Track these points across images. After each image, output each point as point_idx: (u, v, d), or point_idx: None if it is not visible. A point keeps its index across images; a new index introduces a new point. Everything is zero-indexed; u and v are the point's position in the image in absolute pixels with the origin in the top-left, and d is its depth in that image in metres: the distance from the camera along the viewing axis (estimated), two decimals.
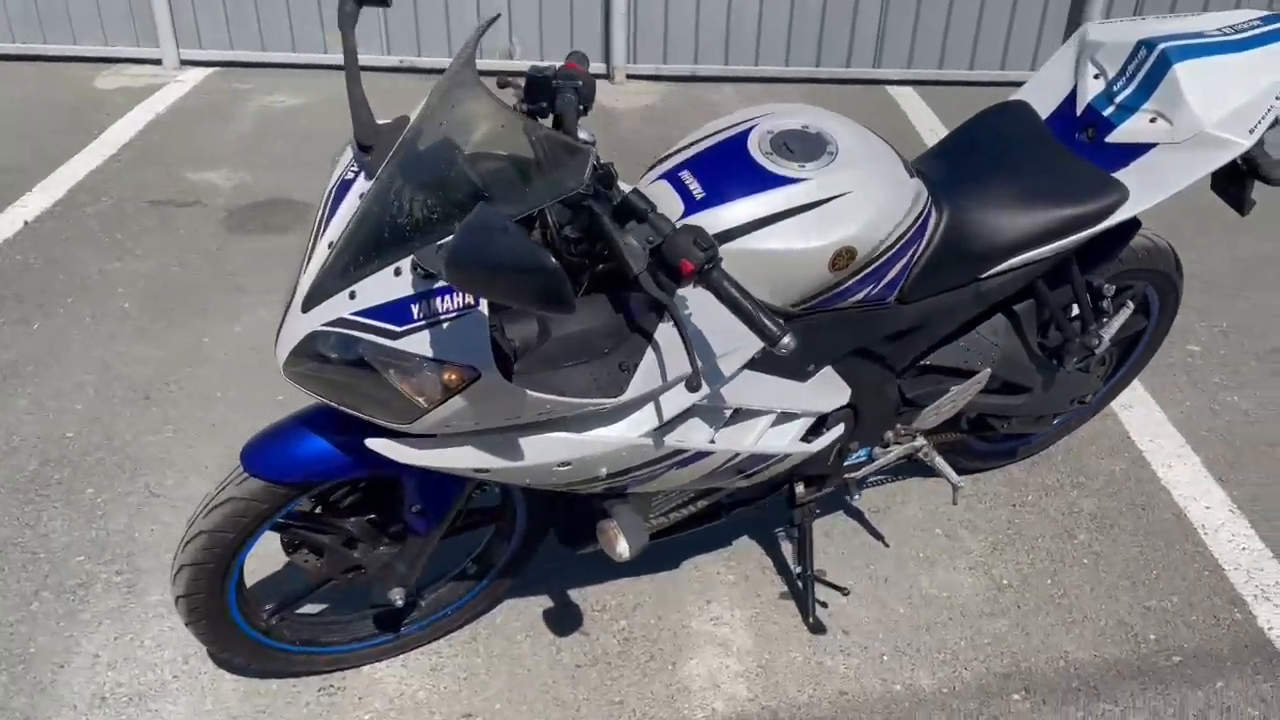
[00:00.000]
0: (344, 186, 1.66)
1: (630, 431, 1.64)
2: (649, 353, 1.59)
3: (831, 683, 2.14)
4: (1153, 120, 2.00)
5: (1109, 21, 2.21)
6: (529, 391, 1.49)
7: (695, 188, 1.72)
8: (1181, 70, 1.98)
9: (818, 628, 2.25)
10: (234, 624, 1.94)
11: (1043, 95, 2.21)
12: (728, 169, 1.74)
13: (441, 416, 1.52)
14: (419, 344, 1.47)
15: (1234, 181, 2.10)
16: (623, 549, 1.82)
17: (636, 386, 1.58)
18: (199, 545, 1.80)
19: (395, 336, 1.48)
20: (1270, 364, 3.22)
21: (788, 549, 2.45)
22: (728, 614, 2.29)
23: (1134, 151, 2.02)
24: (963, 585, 2.38)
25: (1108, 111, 2.06)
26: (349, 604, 2.22)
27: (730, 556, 2.44)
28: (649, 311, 1.61)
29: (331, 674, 2.14)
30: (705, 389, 1.67)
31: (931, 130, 4.99)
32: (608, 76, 5.58)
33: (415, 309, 1.47)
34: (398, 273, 1.49)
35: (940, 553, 2.47)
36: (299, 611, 2.14)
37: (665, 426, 1.67)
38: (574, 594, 2.34)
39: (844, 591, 2.30)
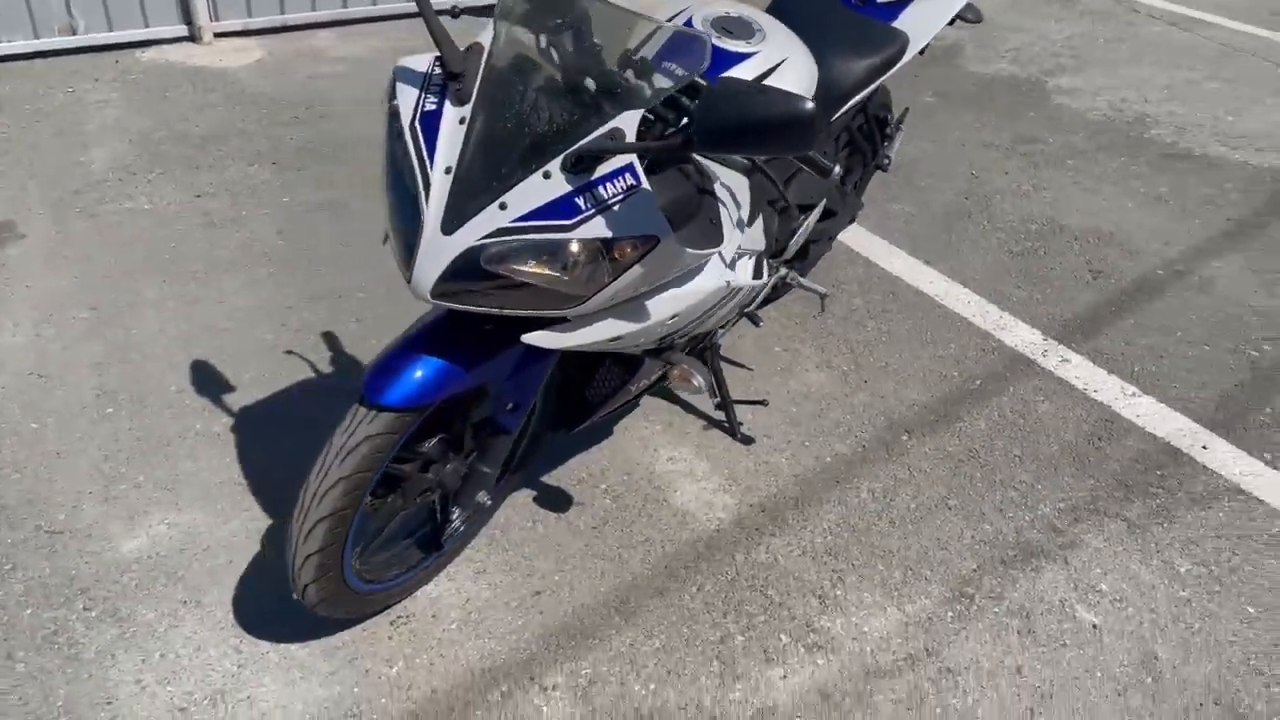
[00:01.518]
0: (432, 116, 1.77)
1: (714, 278, 1.98)
2: (720, 208, 1.93)
3: (783, 471, 2.65)
4: None
5: None
6: (687, 249, 1.78)
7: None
8: None
9: (747, 439, 2.74)
10: (343, 574, 1.99)
11: None
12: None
13: (612, 291, 1.75)
14: (595, 229, 1.68)
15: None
16: (699, 382, 2.16)
17: (726, 235, 1.92)
18: (338, 493, 1.84)
19: (569, 229, 1.68)
20: (912, 176, 4.18)
21: (682, 395, 2.89)
22: (677, 452, 2.70)
23: (899, 6, 2.67)
24: (819, 379, 2.99)
25: None
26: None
27: (648, 413, 2.83)
28: (700, 176, 1.94)
29: (391, 607, 2.24)
30: (745, 233, 2.05)
31: None
32: (193, 39, 5.30)
33: (580, 201, 1.68)
34: (547, 175, 1.68)
35: (790, 363, 3.06)
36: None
37: (728, 270, 2.03)
38: (550, 480, 2.59)
39: (764, 403, 2.80)
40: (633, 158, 1.67)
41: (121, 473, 2.57)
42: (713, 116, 1.48)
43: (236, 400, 2.83)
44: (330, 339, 3.08)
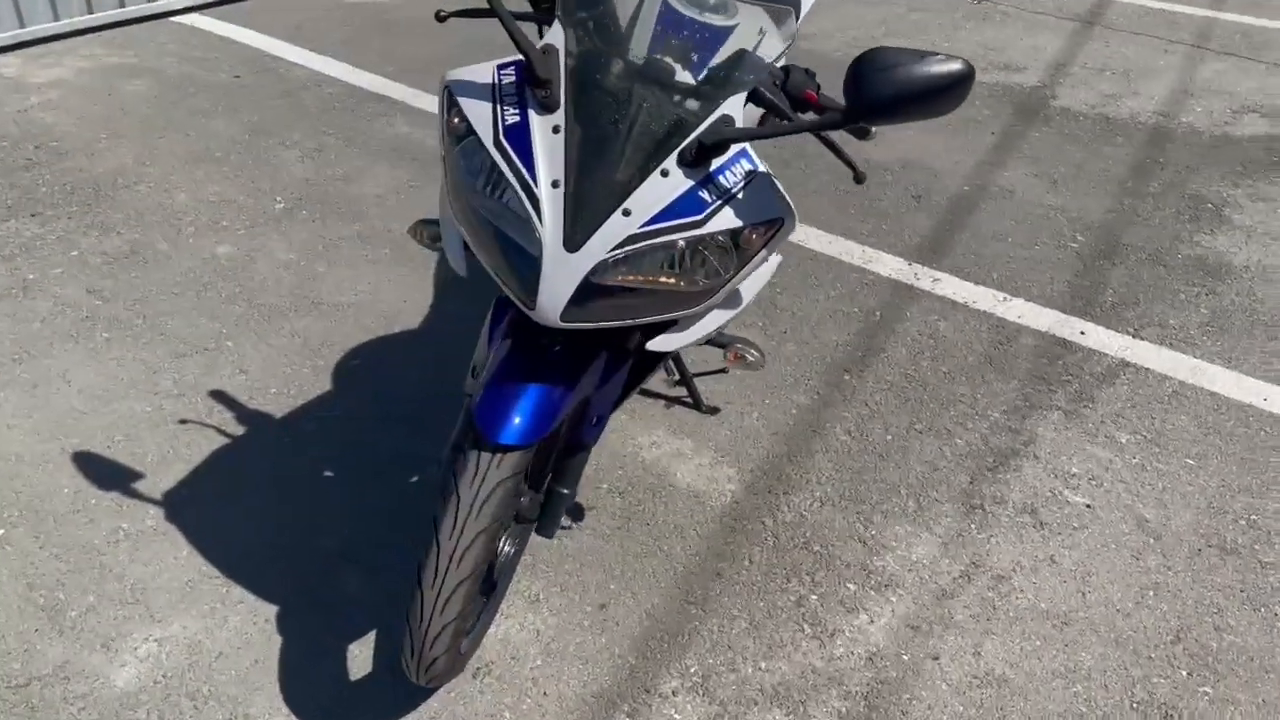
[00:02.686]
0: (518, 130, 1.63)
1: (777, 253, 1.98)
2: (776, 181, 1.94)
3: (761, 432, 2.70)
4: None
5: None
6: (795, 226, 1.77)
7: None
8: None
9: (712, 410, 2.77)
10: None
11: None
12: (689, 31, 2.05)
13: (739, 280, 1.71)
14: (725, 220, 1.64)
15: None
16: (754, 356, 2.15)
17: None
18: (478, 549, 1.68)
19: (700, 225, 1.62)
20: None
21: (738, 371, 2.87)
22: (656, 437, 2.68)
23: None
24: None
25: None
26: None
27: None
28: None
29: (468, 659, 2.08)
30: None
31: (266, 48, 5.01)
32: None
33: (704, 195, 1.63)
34: (665, 174, 1.61)
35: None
36: None
37: None
38: None
39: (725, 371, 2.83)
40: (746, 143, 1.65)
41: (61, 599, 2.18)
42: (874, 88, 1.48)
43: (153, 485, 2.46)
44: (223, 397, 2.75)
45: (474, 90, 1.69)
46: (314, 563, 2.28)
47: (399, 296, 3.19)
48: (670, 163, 1.62)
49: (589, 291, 1.60)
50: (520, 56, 1.68)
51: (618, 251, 1.59)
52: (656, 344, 1.75)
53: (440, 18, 1.89)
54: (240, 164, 3.92)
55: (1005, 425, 2.76)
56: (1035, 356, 3.02)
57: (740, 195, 1.65)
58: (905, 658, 2.13)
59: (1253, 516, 2.49)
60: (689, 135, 1.62)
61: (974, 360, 3.00)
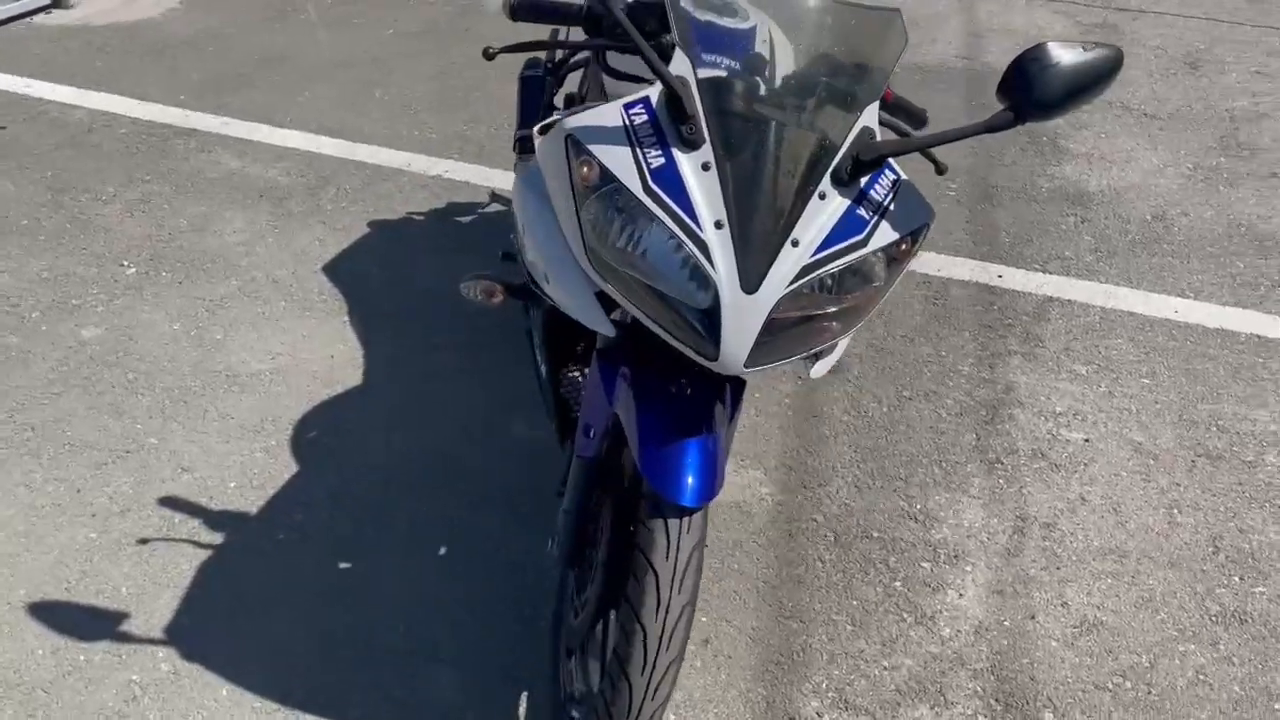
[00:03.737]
0: (666, 172, 1.49)
1: None
2: None
3: (764, 427, 2.67)
4: None
5: None
6: None
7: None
8: None
9: None
10: None
11: None
12: (713, 35, 1.94)
13: (895, 283, 1.65)
14: (885, 234, 1.57)
15: None
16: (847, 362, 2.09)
17: None
18: (685, 625, 1.55)
19: (865, 244, 1.55)
20: None
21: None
22: None
23: None
24: None
25: None
26: None
27: None
28: None
29: None
30: None
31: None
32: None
33: (863, 212, 1.55)
34: (823, 196, 1.52)
35: None
36: None
37: None
38: None
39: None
40: None
41: None
42: (1045, 86, 1.46)
43: (146, 622, 2.12)
44: (177, 503, 2.40)
45: (604, 135, 1.53)
46: (386, 663, 2.03)
47: (323, 352, 2.88)
48: (826, 184, 1.53)
49: (770, 331, 1.50)
50: (645, 93, 1.54)
51: (795, 285, 1.49)
52: (820, 368, 1.68)
53: (489, 55, 1.70)
54: (57, 230, 3.40)
55: (980, 377, 2.87)
56: (971, 306, 3.16)
57: (892, 206, 1.59)
58: (1006, 624, 2.18)
59: (1220, 422, 2.73)
60: (837, 153, 1.54)
61: (922, 320, 3.09)
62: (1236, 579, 2.29)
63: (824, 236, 1.51)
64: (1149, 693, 2.05)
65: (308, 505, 2.40)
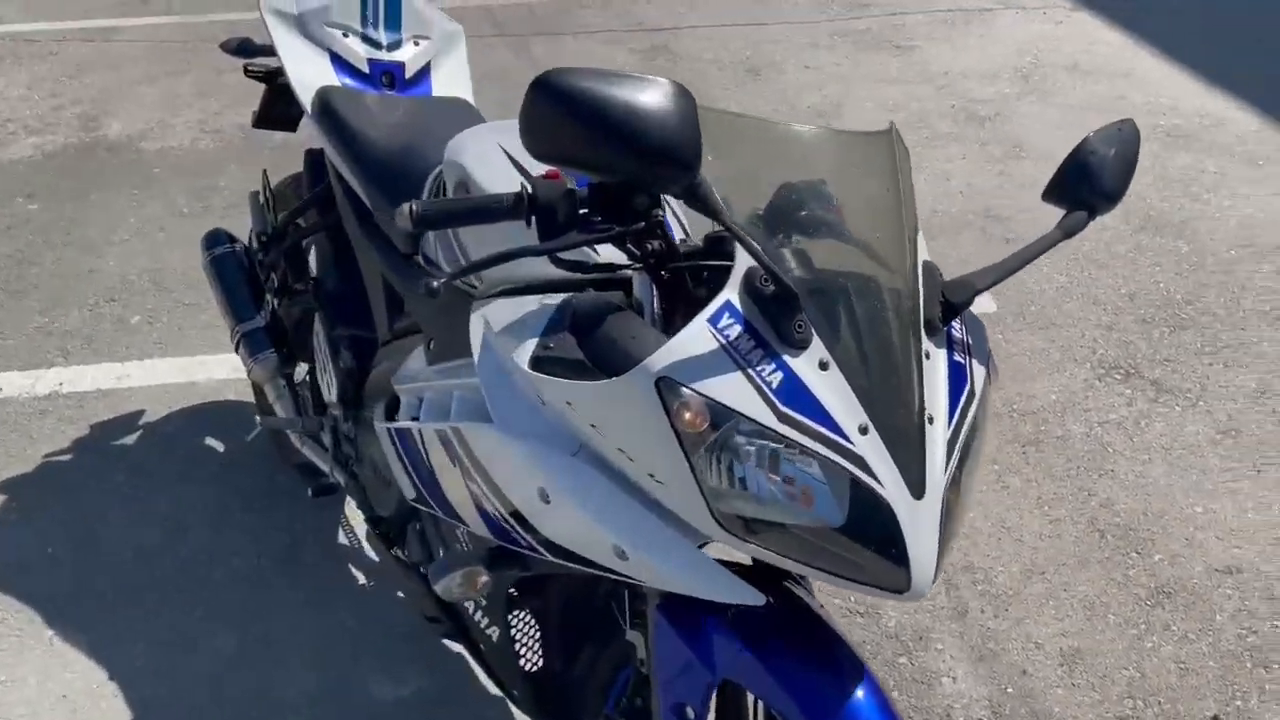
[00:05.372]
0: (789, 387, 1.16)
1: None
2: None
3: None
4: (416, 43, 2.23)
5: None
6: None
7: None
8: None
9: None
10: None
11: (309, 73, 2.12)
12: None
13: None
14: (980, 376, 1.35)
15: None
16: None
17: None
18: None
19: (975, 394, 1.32)
20: None
21: None
22: None
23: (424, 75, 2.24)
24: None
25: (386, 56, 2.19)
26: None
27: None
28: None
29: None
30: None
31: None
32: None
33: (958, 357, 1.32)
34: (928, 356, 1.29)
35: None
36: None
37: None
38: None
39: None
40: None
41: None
42: (1113, 176, 1.36)
43: None
44: None
45: (702, 366, 1.15)
46: None
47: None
48: (926, 342, 1.29)
49: (943, 529, 1.24)
50: (723, 299, 1.19)
51: (950, 469, 1.25)
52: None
53: (432, 292, 1.25)
54: None
55: None
56: None
57: (969, 339, 1.39)
58: (1010, 690, 2.11)
59: (1016, 405, 2.87)
60: (920, 302, 1.30)
61: None
62: (1135, 555, 2.41)
63: (948, 402, 1.28)
64: (1160, 706, 2.09)
65: None
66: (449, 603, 1.77)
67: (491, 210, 1.28)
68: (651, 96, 1.09)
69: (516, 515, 1.39)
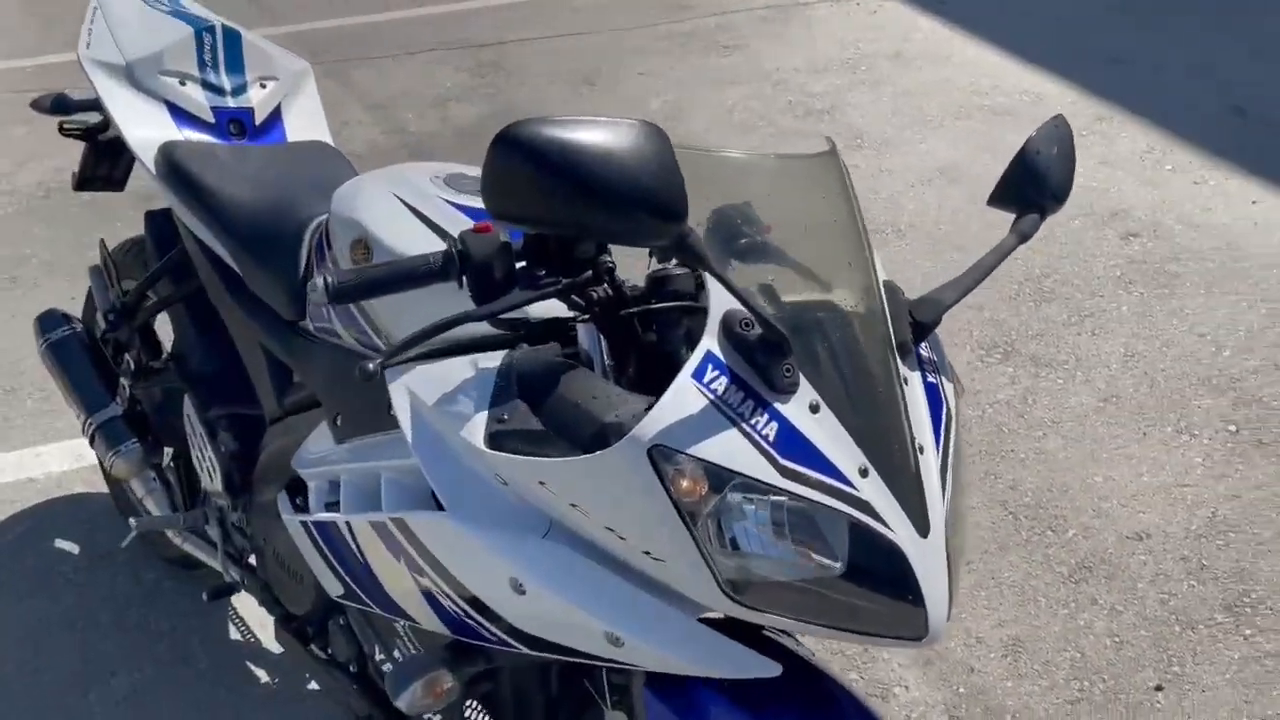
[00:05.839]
0: (784, 435, 1.07)
1: None
2: None
3: None
4: (263, 85, 2.03)
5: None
6: None
7: None
8: (246, 36, 2.02)
9: None
10: None
11: (146, 128, 1.90)
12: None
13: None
14: (951, 392, 1.29)
15: None
16: None
17: None
18: None
19: (952, 411, 1.26)
20: None
21: None
22: None
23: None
24: None
25: (232, 103, 1.98)
26: None
27: None
28: None
29: None
30: None
31: None
32: None
33: (930, 377, 1.26)
34: (906, 382, 1.21)
35: None
36: None
37: None
38: None
39: None
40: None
41: None
42: (1059, 174, 1.33)
43: None
44: None
45: (694, 429, 1.04)
46: None
47: None
48: (902, 369, 1.22)
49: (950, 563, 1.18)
50: (702, 351, 1.09)
51: (947, 497, 1.19)
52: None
53: (370, 375, 1.10)
54: None
55: None
56: None
57: (935, 357, 1.33)
58: (962, 690, 2.08)
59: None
60: (888, 326, 1.23)
61: None
62: (1050, 533, 2.44)
63: (931, 427, 1.23)
64: (1105, 683, 2.10)
65: None
66: (387, 702, 1.60)
67: (419, 274, 1.14)
68: (625, 140, 0.97)
69: (477, 605, 1.25)
